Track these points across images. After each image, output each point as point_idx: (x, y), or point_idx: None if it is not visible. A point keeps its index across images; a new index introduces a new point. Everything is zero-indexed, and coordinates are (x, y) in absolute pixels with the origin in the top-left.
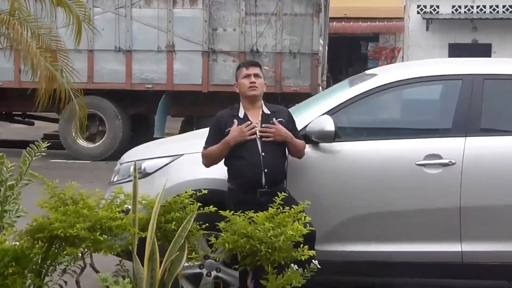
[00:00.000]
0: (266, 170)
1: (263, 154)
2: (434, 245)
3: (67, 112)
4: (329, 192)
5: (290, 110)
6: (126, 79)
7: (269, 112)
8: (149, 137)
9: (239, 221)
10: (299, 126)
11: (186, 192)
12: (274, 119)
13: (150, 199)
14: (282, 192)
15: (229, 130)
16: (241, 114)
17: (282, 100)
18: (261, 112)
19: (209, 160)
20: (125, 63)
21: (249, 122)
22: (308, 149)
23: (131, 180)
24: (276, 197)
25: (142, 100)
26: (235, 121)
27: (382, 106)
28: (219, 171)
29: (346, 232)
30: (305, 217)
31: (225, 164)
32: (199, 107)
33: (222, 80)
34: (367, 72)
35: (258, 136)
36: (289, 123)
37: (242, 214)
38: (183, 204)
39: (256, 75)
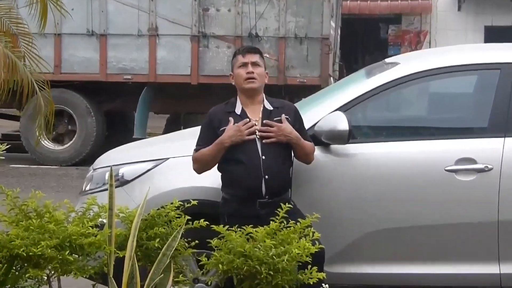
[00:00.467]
0: (266, 177)
1: (263, 157)
2: (467, 266)
3: (30, 108)
4: (342, 204)
5: (296, 105)
6: (101, 69)
7: (271, 108)
8: (128, 138)
9: (235, 238)
10: (306, 125)
11: (172, 203)
12: (282, 115)
13: (129, 211)
14: (286, 203)
15: (224, 129)
16: (238, 110)
17: (286, 94)
18: (262, 108)
19: (200, 165)
20: (99, 49)
21: (248, 119)
22: (317, 152)
23: (106, 189)
24: (279, 209)
25: (120, 94)
26: (231, 118)
27: (405, 101)
28: (212, 178)
29: (362, 250)
30: (313, 232)
31: (219, 169)
32: (187, 103)
33: (214, 70)
34: (388, 60)
35: (258, 137)
36: (296, 121)
37: (238, 229)
38: (168, 217)
39: (254, 64)
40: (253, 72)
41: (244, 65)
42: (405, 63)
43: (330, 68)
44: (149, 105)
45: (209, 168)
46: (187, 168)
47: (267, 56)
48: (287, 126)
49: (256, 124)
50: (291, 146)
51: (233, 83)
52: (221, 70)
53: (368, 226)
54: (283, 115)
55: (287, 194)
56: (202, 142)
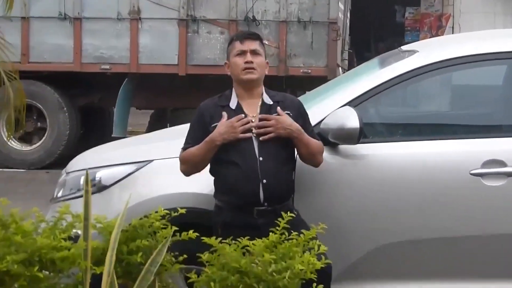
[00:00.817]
0: (264, 181)
1: (260, 159)
2: (496, 284)
3: None
4: (353, 212)
5: (300, 99)
6: (75, 57)
7: (271, 102)
8: (107, 137)
9: (229, 252)
10: (311, 122)
11: (157, 212)
12: (278, 108)
13: (108, 221)
14: (288, 212)
15: (216, 125)
16: (233, 105)
17: (287, 86)
18: (260, 102)
19: (188, 166)
20: (73, 35)
21: (243, 115)
22: (323, 153)
23: (81, 196)
24: (279, 219)
25: (97, 86)
26: (224, 113)
27: (424, 95)
28: (203, 183)
29: (375, 266)
30: (319, 246)
31: (211, 173)
32: (174, 96)
33: (205, 59)
34: (404, 48)
35: (255, 135)
36: (299, 118)
37: (233, 241)
38: (152, 228)
39: (254, 52)
40: (252, 62)
41: (242, 53)
42: (424, 51)
43: (338, 57)
44: (130, 99)
45: (199, 170)
46: (174, 172)
47: (266, 43)
48: (286, 118)
49: (253, 120)
50: (294, 144)
51: (229, 73)
52: (213, 59)
53: (382, 238)
54: (278, 108)
55: (289, 201)
56: (191, 140)
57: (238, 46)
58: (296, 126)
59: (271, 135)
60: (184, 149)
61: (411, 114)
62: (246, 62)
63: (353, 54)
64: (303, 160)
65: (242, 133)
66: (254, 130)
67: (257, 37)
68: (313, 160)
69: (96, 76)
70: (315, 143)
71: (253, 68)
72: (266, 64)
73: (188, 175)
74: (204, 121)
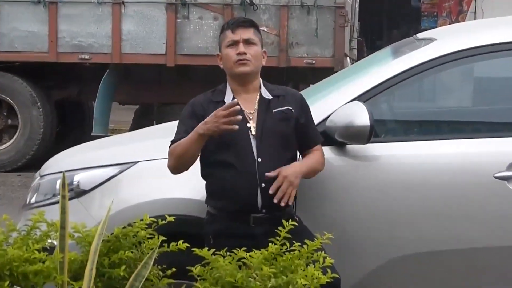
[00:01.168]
0: (263, 185)
1: (259, 160)
2: None
3: None
4: (363, 220)
5: (303, 94)
6: (50, 46)
7: (270, 97)
8: (86, 136)
9: (223, 264)
10: (315, 119)
11: (142, 220)
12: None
13: (87, 230)
14: (290, 220)
15: None
16: (228, 100)
17: (289, 79)
18: (258, 97)
19: (175, 160)
20: (48, 21)
21: (233, 103)
22: (329, 154)
23: (57, 202)
24: (280, 227)
25: (75, 79)
26: (232, 101)
27: (442, 89)
28: (194, 187)
29: (388, 281)
30: (324, 258)
31: (203, 176)
32: (161, 90)
33: (197, 48)
34: (420, 35)
35: (253, 133)
36: (301, 115)
37: (228, 253)
38: (137, 238)
39: (247, 42)
40: (245, 53)
41: (234, 43)
42: (443, 39)
43: (346, 46)
44: (112, 93)
45: (186, 167)
46: (162, 175)
47: (265, 30)
48: (287, 169)
49: (251, 118)
50: (298, 145)
51: (221, 66)
52: (205, 48)
53: (396, 250)
54: (269, 174)
55: (291, 207)
56: (182, 132)
57: (229, 35)
58: (299, 167)
59: (291, 190)
60: (173, 142)
61: (428, 110)
62: (239, 54)
63: (362, 43)
64: (305, 177)
65: (226, 124)
66: (252, 129)
67: (250, 24)
68: (316, 173)
69: (74, 67)
70: (317, 160)
71: (246, 60)
72: (263, 54)
73: (176, 172)
74: (197, 115)
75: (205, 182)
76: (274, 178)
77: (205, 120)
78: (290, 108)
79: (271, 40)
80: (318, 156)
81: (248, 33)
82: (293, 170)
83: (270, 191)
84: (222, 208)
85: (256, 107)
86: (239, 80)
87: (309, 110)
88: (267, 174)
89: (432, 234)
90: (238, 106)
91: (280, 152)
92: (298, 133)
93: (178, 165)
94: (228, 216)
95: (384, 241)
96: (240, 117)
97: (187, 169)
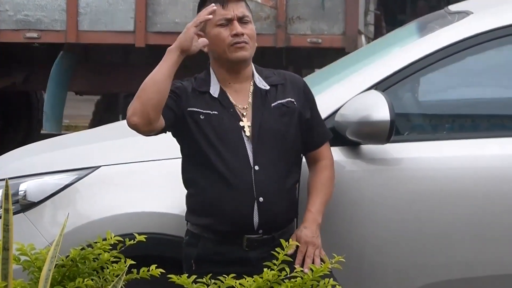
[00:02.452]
0: (261, 200)
1: (256, 168)
2: None
3: None
4: (383, 240)
5: (306, 81)
6: None
7: (267, 87)
8: (34, 134)
9: None
10: (321, 114)
11: (105, 240)
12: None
13: (36, 252)
14: (290, 240)
15: (199, 112)
16: (215, 92)
17: (289, 62)
18: (252, 88)
19: (136, 99)
20: None
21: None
22: (340, 157)
23: None
24: (278, 249)
25: (20, 63)
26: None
27: (482, 75)
28: (171, 198)
29: None
30: (334, 286)
31: (186, 183)
32: (129, 77)
33: (173, 24)
34: (453, 7)
35: (247, 134)
36: (305, 106)
37: (212, 280)
38: (99, 262)
39: (242, 20)
40: (243, 35)
41: (227, 22)
42: (482, 13)
43: (360, 21)
44: (67, 81)
45: (147, 109)
46: (129, 183)
47: (258, 1)
48: (304, 233)
49: (244, 114)
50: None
51: (205, 50)
52: (182, 24)
53: (423, 276)
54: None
55: (292, 225)
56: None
57: (220, 12)
58: (316, 220)
59: (317, 252)
60: None
61: (464, 102)
62: (235, 35)
63: (381, 17)
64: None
65: (196, 25)
66: (246, 132)
67: None
68: None
69: (19, 48)
70: (328, 185)
71: (244, 43)
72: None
73: (134, 120)
74: (186, 92)
75: (186, 192)
76: (274, 192)
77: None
78: (292, 99)
79: (266, 14)
80: (328, 175)
81: (241, 8)
82: (311, 229)
83: (296, 265)
84: (207, 227)
85: (250, 100)
86: (233, 67)
87: (314, 99)
88: (296, 264)
89: (468, 257)
90: (212, 7)
91: (281, 157)
92: (302, 130)
93: (138, 106)
94: (216, 237)
95: (409, 266)
96: (214, 7)
97: (149, 121)
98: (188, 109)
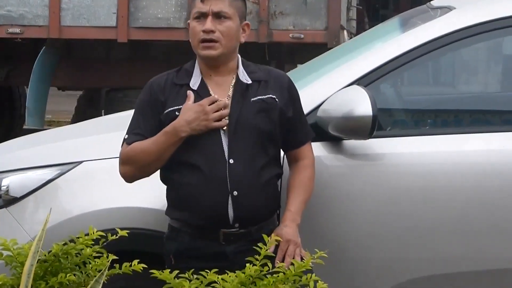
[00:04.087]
0: (235, 193)
1: (231, 161)
2: None
3: None
4: (365, 236)
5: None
6: None
7: (249, 81)
8: (17, 129)
9: None
10: (304, 108)
11: (87, 235)
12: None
13: (19, 247)
14: (273, 235)
15: (174, 110)
16: (194, 84)
17: (271, 58)
18: (233, 81)
19: (135, 167)
20: None
21: (215, 96)
22: (322, 152)
23: None
24: (259, 244)
25: (2, 59)
26: (190, 92)
27: (464, 70)
28: (153, 193)
29: None
30: (316, 281)
31: (163, 180)
32: (111, 72)
33: (156, 19)
34: (435, 3)
35: (224, 129)
36: (288, 105)
37: (194, 276)
38: (82, 257)
39: (218, 16)
40: (212, 31)
41: (202, 16)
42: (464, 8)
43: (342, 16)
44: (49, 76)
45: (149, 174)
46: (111, 178)
47: None
48: (285, 232)
49: (223, 108)
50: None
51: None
52: (166, 19)
53: (406, 272)
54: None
55: (273, 219)
56: (139, 129)
57: (198, 5)
58: (296, 219)
59: (299, 250)
60: (127, 142)
61: (446, 97)
62: (204, 32)
63: (363, 12)
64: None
65: (216, 120)
66: (224, 119)
67: None
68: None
69: (1, 43)
70: (308, 185)
71: (213, 42)
72: (244, 28)
73: (132, 180)
74: (156, 102)
75: (166, 188)
76: (250, 185)
77: (186, 118)
78: (273, 96)
79: (248, 9)
80: (308, 175)
81: (221, 4)
82: (292, 228)
83: (277, 263)
84: (185, 221)
85: (230, 93)
86: (206, 63)
87: (299, 98)
88: (277, 261)
89: (452, 253)
90: (224, 101)
91: (258, 152)
92: (283, 128)
93: (140, 174)
94: (193, 231)
95: (391, 262)
96: (228, 110)
97: (148, 176)
98: (165, 111)
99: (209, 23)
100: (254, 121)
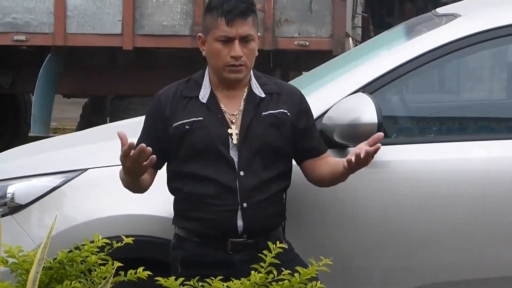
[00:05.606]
0: (245, 205)
1: (241, 173)
2: None
3: None
4: (370, 244)
5: (293, 84)
6: None
7: (262, 95)
8: (22, 136)
9: None
10: None
11: (92, 242)
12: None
13: (24, 255)
14: (278, 243)
15: (184, 123)
16: (203, 97)
17: (276, 65)
18: (245, 94)
19: (125, 186)
20: None
21: (132, 142)
22: None
23: None
24: (265, 252)
25: (8, 66)
26: (122, 134)
27: (469, 77)
28: (159, 201)
29: None
30: None
31: (171, 190)
32: (116, 80)
33: (161, 26)
34: (440, 10)
35: (235, 142)
36: (300, 118)
37: (200, 283)
38: (86, 264)
39: (245, 40)
40: (241, 57)
41: (229, 40)
42: (469, 15)
43: (347, 24)
44: (55, 83)
45: (140, 192)
46: (116, 185)
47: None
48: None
49: (233, 121)
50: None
51: (203, 53)
52: (172, 27)
53: (412, 279)
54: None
55: (278, 230)
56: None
57: (223, 28)
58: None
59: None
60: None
61: (451, 104)
62: (233, 58)
63: (368, 20)
64: (315, 180)
65: (132, 164)
66: (233, 135)
67: (251, 10)
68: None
69: (7, 50)
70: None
71: (242, 66)
72: (258, 43)
73: (133, 192)
74: (163, 117)
75: (173, 197)
76: (259, 198)
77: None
78: (285, 111)
79: None
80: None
81: (247, 27)
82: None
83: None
84: (193, 230)
85: (241, 107)
86: (228, 83)
87: (311, 112)
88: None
89: (457, 261)
90: (149, 149)
91: (267, 165)
92: (297, 139)
93: (133, 191)
94: (201, 240)
95: (396, 269)
96: (154, 157)
97: (141, 192)
98: (174, 125)
99: (238, 49)
100: (264, 135)
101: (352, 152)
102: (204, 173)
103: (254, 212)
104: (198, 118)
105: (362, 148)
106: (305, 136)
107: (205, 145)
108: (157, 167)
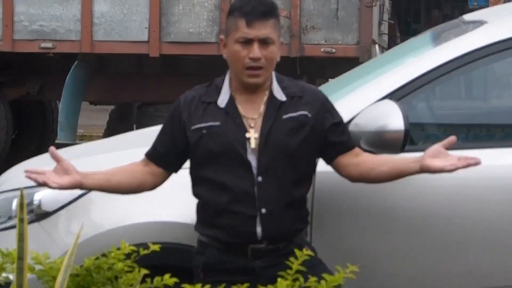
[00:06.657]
0: (264, 211)
1: (259, 179)
2: None
3: None
4: (399, 251)
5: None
6: (4, 32)
7: (284, 99)
8: (48, 143)
9: None
10: None
11: (119, 249)
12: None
13: (51, 262)
14: (305, 249)
15: (201, 128)
16: (222, 102)
17: (302, 72)
18: (266, 97)
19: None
20: (1, 1)
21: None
22: None
23: (13, 226)
24: (291, 258)
25: (35, 73)
26: (51, 148)
27: (496, 84)
28: (186, 208)
29: None
30: None
31: (195, 194)
32: (143, 87)
33: (187, 34)
34: (467, 17)
35: (253, 145)
36: (325, 119)
37: None
38: (113, 271)
39: (264, 42)
40: (259, 59)
41: (248, 42)
42: (496, 22)
43: (374, 31)
44: (81, 90)
45: (136, 192)
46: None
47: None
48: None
49: (252, 125)
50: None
51: (224, 56)
52: (198, 34)
53: (439, 286)
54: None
55: (301, 236)
56: (156, 142)
57: (242, 29)
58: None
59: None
60: (145, 154)
61: (478, 112)
62: (251, 59)
63: (395, 27)
64: (374, 178)
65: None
66: (252, 139)
67: (271, 13)
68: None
69: (34, 58)
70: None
71: (259, 69)
72: (279, 47)
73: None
74: (180, 119)
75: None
76: (278, 203)
77: None
78: (305, 112)
79: (281, 23)
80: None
81: (267, 29)
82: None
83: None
84: (213, 237)
85: (262, 110)
86: (247, 87)
87: (336, 111)
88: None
89: (483, 268)
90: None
91: (287, 169)
92: (324, 139)
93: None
94: (221, 246)
95: (423, 276)
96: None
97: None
98: (192, 128)
99: (257, 51)
100: (284, 139)
101: (436, 165)
102: (221, 179)
103: (273, 218)
104: (216, 123)
105: (453, 161)
106: (334, 132)
107: (222, 150)
108: (169, 169)
